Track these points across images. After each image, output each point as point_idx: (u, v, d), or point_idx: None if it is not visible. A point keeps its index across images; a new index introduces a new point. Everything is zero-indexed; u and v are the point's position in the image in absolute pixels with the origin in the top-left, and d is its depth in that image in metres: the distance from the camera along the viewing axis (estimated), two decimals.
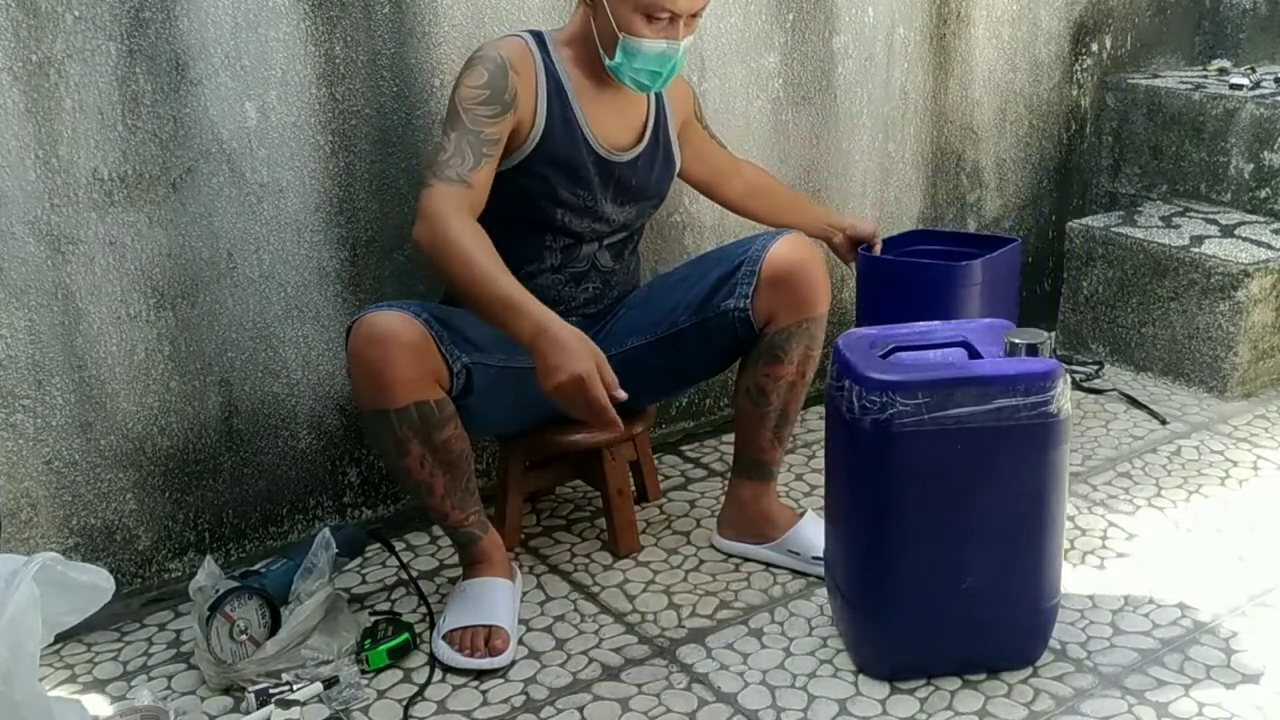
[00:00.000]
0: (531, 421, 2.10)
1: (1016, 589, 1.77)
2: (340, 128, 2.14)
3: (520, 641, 1.96)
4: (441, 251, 1.79)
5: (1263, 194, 3.04)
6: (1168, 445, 2.60)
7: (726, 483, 2.29)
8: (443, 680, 1.87)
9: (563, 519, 2.37)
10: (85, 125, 1.91)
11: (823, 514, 1.97)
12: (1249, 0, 3.49)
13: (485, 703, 1.82)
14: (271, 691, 1.80)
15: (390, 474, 2.30)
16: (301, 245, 2.15)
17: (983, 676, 1.82)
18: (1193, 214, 3.08)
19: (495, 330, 1.95)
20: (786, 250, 2.01)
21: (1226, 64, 3.44)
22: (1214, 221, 3.01)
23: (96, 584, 1.60)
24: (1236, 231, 2.93)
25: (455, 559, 2.11)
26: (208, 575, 1.89)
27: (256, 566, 1.96)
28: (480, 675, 1.88)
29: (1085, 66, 3.23)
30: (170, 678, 1.90)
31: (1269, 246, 2.82)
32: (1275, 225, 2.96)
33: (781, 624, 1.99)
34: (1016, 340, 1.73)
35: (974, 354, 1.77)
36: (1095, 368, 3.00)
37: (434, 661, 1.90)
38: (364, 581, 2.16)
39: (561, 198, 1.99)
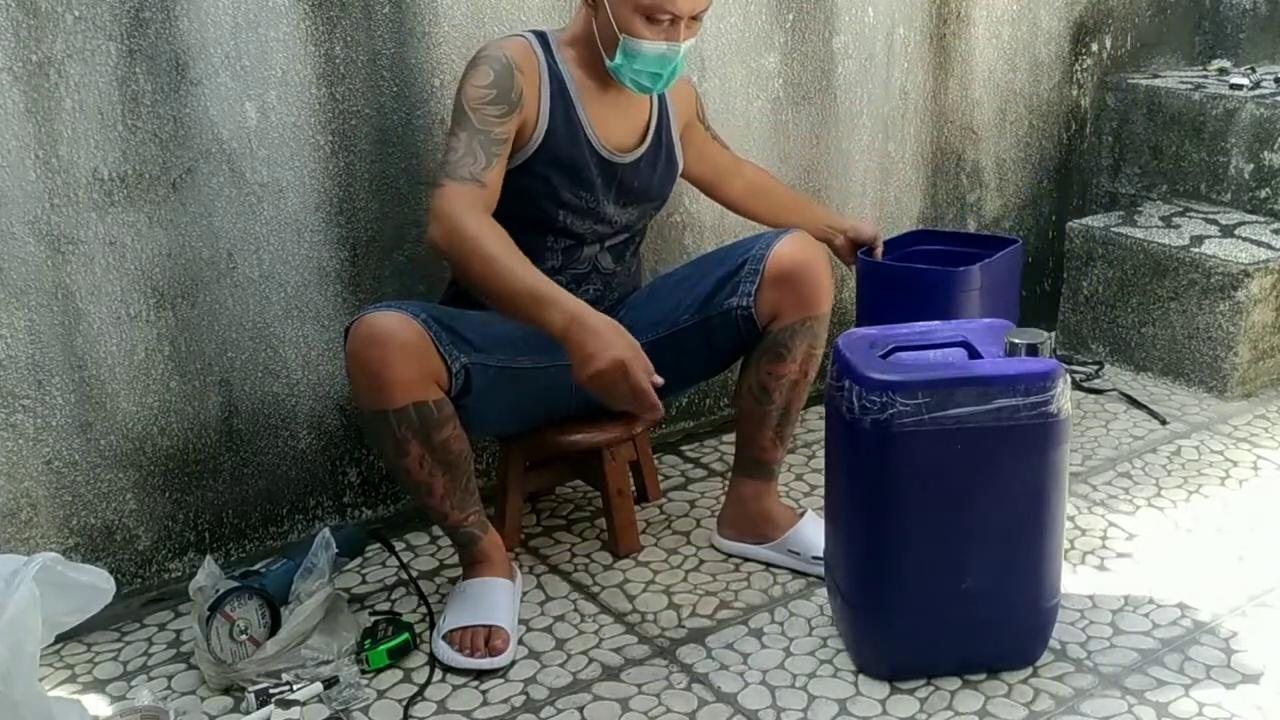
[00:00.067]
0: (531, 421, 2.10)
1: (1016, 589, 1.77)
2: (340, 128, 2.14)
3: (520, 641, 1.96)
4: (461, 250, 1.79)
5: (1263, 194, 3.04)
6: (1168, 445, 2.60)
7: (727, 482, 2.29)
8: (443, 680, 1.87)
9: (563, 519, 2.37)
10: (85, 125, 1.91)
11: (823, 514, 1.97)
12: (1249, 0, 3.49)
13: (485, 703, 1.82)
14: (271, 691, 1.80)
15: (390, 474, 2.30)
16: (301, 245, 2.16)
17: (983, 676, 1.82)
18: (1193, 214, 3.08)
19: (494, 331, 1.96)
20: (791, 248, 2.01)
21: (1226, 64, 3.44)
22: (1214, 221, 3.01)
23: (96, 584, 1.60)
24: (1236, 231, 2.93)
25: (455, 559, 2.11)
26: (208, 575, 1.89)
27: (256, 566, 1.96)
28: (480, 675, 1.88)
29: (1085, 66, 3.23)
30: (170, 678, 1.90)
31: (1269, 246, 2.82)
32: (1275, 225, 2.96)
33: (781, 624, 1.99)
34: (1016, 340, 1.73)
35: (974, 354, 1.77)
36: (1095, 368, 3.00)
37: (434, 661, 1.90)
38: (364, 581, 2.16)
39: (563, 199, 1.99)
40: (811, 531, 2.11)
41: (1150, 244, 2.91)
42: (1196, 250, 2.83)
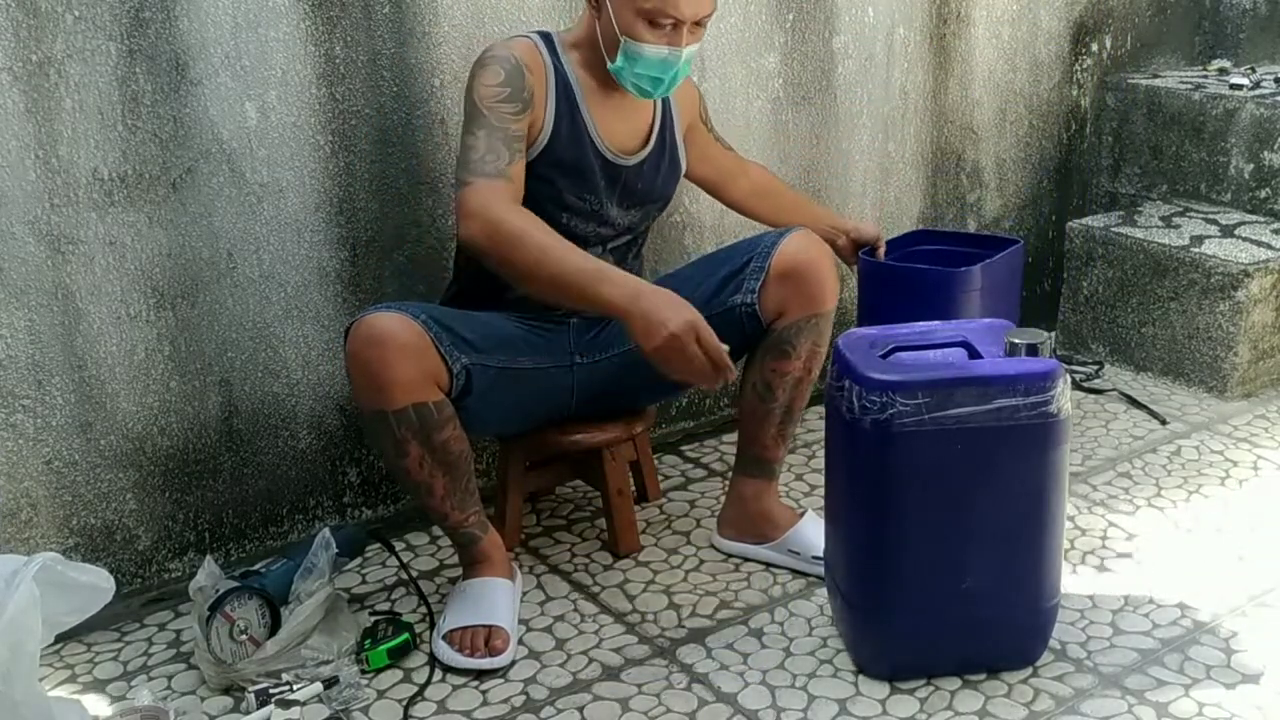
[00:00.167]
0: (531, 422, 2.10)
1: (1016, 589, 1.77)
2: (340, 128, 2.14)
3: (520, 641, 1.96)
4: (505, 242, 1.77)
5: (1263, 194, 3.04)
6: (1168, 445, 2.60)
7: (727, 483, 2.29)
8: (443, 680, 1.87)
9: (563, 519, 2.37)
10: (85, 125, 1.91)
11: (823, 514, 1.97)
12: (1249, 0, 3.49)
13: (485, 703, 1.82)
14: (271, 691, 1.80)
15: (390, 474, 2.30)
16: (301, 245, 2.16)
17: (983, 676, 1.82)
18: (1193, 214, 3.08)
19: (495, 331, 1.96)
20: (796, 246, 2.01)
21: (1226, 64, 3.44)
22: (1214, 221, 3.01)
23: (96, 584, 1.60)
24: (1236, 231, 2.93)
25: (455, 559, 2.11)
26: (208, 575, 1.89)
27: (256, 566, 1.96)
28: (480, 675, 1.88)
29: (1085, 66, 3.23)
30: (170, 678, 1.90)
31: (1269, 246, 2.82)
32: (1275, 225, 2.96)
33: (781, 624, 1.99)
34: (1016, 340, 1.73)
35: (974, 354, 1.77)
36: (1095, 368, 3.00)
37: (434, 661, 1.90)
38: (364, 581, 2.16)
39: (567, 201, 1.99)
40: (811, 531, 2.11)
41: (1150, 244, 2.91)
42: (1196, 250, 2.83)
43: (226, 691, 1.84)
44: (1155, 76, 3.31)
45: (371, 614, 2.04)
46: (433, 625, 1.98)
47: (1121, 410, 2.78)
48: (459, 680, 1.87)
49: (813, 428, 2.69)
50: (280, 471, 2.23)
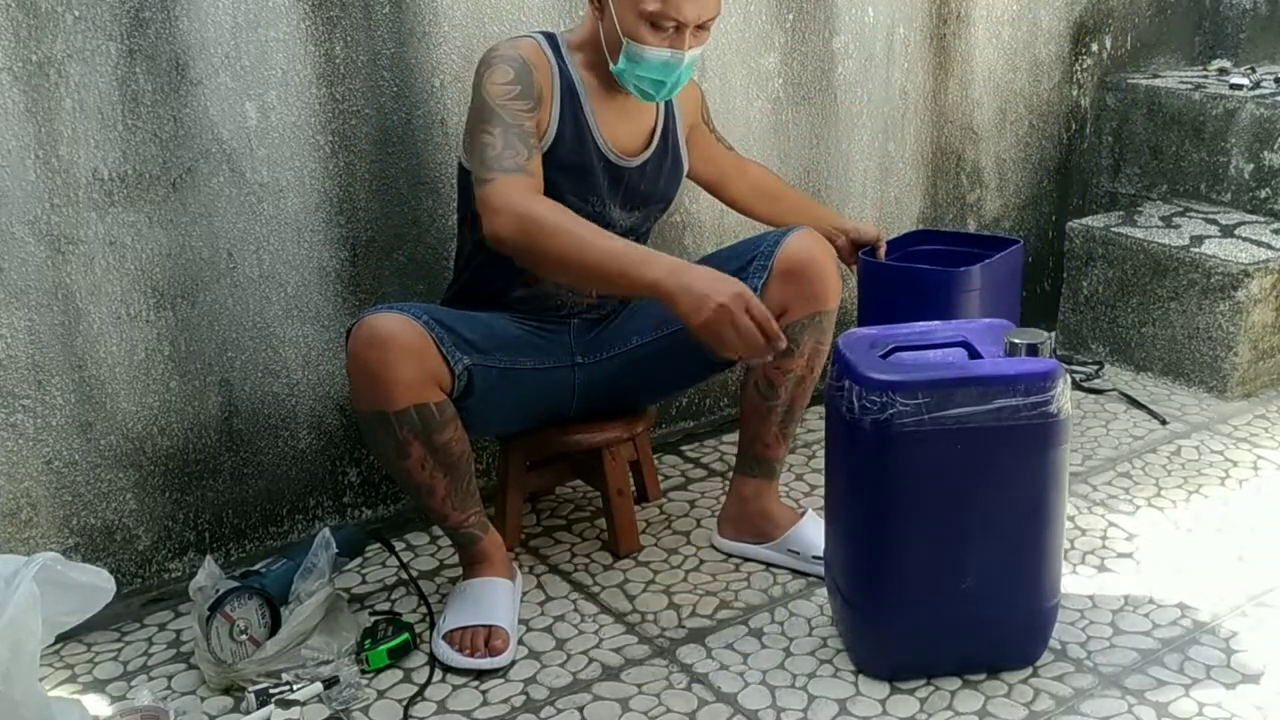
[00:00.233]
0: (532, 422, 2.11)
1: (1016, 589, 1.77)
2: (340, 128, 2.14)
3: (520, 641, 1.96)
4: (536, 233, 1.75)
5: (1263, 194, 3.04)
6: (1168, 445, 2.60)
7: (727, 483, 2.29)
8: (443, 680, 1.87)
9: (563, 519, 2.37)
10: (85, 125, 1.91)
11: (823, 514, 1.97)
12: (1249, 0, 3.49)
13: (485, 703, 1.82)
14: (271, 691, 1.80)
15: (390, 476, 2.30)
16: (301, 245, 2.16)
17: (983, 676, 1.82)
18: (1193, 214, 3.08)
19: (496, 332, 1.96)
20: (800, 244, 2.01)
21: (1226, 64, 3.44)
22: (1214, 221, 3.01)
23: (97, 584, 1.60)
24: (1236, 231, 2.93)
25: (455, 559, 2.11)
26: (208, 575, 1.89)
27: (256, 566, 1.96)
28: (480, 675, 1.88)
29: (1085, 66, 3.23)
30: (170, 678, 1.90)
31: (1269, 246, 2.82)
32: (1275, 225, 2.96)
33: (781, 624, 1.99)
34: (1016, 340, 1.73)
35: (974, 354, 1.77)
36: (1095, 368, 3.00)
37: (434, 661, 1.90)
38: (364, 581, 2.16)
39: (569, 203, 1.97)
40: (812, 531, 2.11)
41: (1150, 244, 2.91)
42: (1196, 250, 2.83)
43: (226, 691, 1.84)
44: (1155, 76, 3.31)
45: (371, 614, 2.04)
46: (433, 625, 1.98)
47: (1121, 410, 2.78)
48: (459, 680, 1.87)
49: (813, 428, 2.69)
50: (280, 471, 2.23)
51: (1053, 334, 1.85)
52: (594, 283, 1.80)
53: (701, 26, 1.90)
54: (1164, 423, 2.70)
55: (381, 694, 1.84)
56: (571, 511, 2.39)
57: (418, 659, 1.92)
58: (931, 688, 1.81)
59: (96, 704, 1.83)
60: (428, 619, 2.02)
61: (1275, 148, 2.99)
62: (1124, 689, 1.80)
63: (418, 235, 2.26)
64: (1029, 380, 1.69)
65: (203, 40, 1.98)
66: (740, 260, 2.04)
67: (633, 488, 2.31)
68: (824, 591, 2.02)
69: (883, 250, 2.41)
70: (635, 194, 2.05)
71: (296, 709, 1.78)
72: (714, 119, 2.33)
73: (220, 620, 1.82)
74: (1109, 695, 1.78)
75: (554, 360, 2.04)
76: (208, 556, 1.98)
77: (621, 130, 2.02)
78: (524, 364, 1.99)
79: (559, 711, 1.79)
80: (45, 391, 1.96)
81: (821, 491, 2.15)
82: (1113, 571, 2.12)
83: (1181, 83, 3.23)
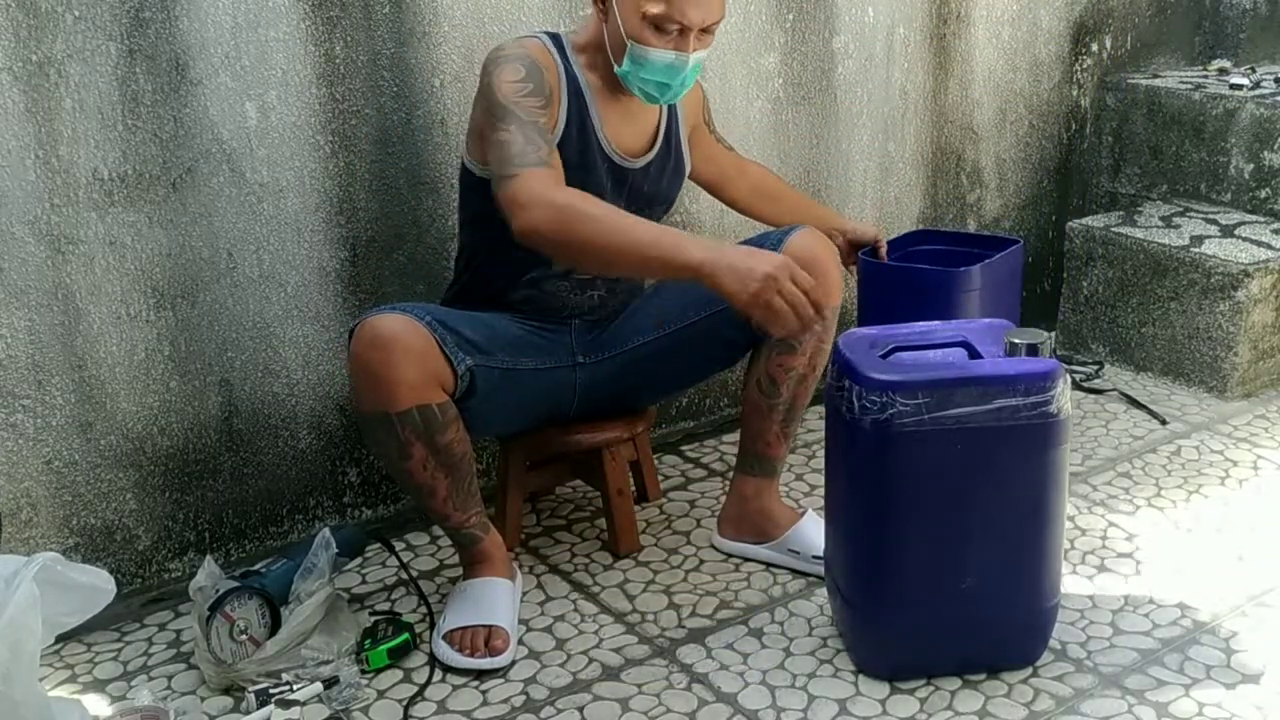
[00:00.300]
0: (533, 422, 2.11)
1: (1016, 589, 1.77)
2: (340, 128, 2.14)
3: (520, 641, 1.96)
4: (572, 221, 1.73)
5: (1263, 194, 3.04)
6: (1168, 445, 2.60)
7: (727, 483, 2.29)
8: (443, 680, 1.87)
9: (563, 519, 2.37)
10: (85, 125, 1.91)
11: (823, 514, 1.97)
12: (1249, 0, 3.49)
13: (485, 703, 1.82)
14: (271, 691, 1.80)
15: (391, 477, 2.30)
16: (301, 245, 2.16)
17: (983, 676, 1.82)
18: (1193, 214, 3.08)
19: (498, 332, 1.96)
20: (803, 242, 2.00)
21: (1226, 64, 3.44)
22: (1214, 221, 3.01)
23: (97, 585, 1.60)
24: (1236, 231, 2.93)
25: (455, 559, 2.11)
26: (208, 575, 1.89)
27: (256, 566, 1.96)
28: (480, 675, 1.88)
29: (1085, 66, 3.23)
30: (170, 678, 1.90)
31: (1269, 246, 2.82)
32: (1275, 225, 2.96)
33: (781, 624, 1.99)
34: (1016, 340, 1.73)
35: (974, 354, 1.77)
36: (1095, 368, 3.00)
37: (434, 661, 1.90)
38: (364, 581, 2.16)
39: None
40: (812, 531, 2.11)
41: (1150, 244, 2.91)
42: (1196, 250, 2.83)
43: (226, 691, 1.84)
44: (1155, 76, 3.31)
45: (371, 614, 2.04)
46: (433, 625, 1.98)
47: (1121, 410, 2.78)
48: (459, 680, 1.87)
49: (813, 428, 2.69)
50: (280, 471, 2.23)
51: (1053, 334, 1.85)
52: (632, 268, 1.79)
53: (706, 30, 1.90)
54: (1164, 423, 2.70)
55: (381, 694, 1.84)
56: (571, 511, 2.39)
57: (418, 659, 1.92)
58: (931, 688, 1.81)
59: (96, 704, 1.83)
60: (428, 619, 2.02)
61: (1275, 148, 2.99)
62: (1124, 689, 1.80)
63: (418, 235, 2.26)
64: (1029, 380, 1.69)
65: (203, 40, 1.98)
66: None
67: (633, 488, 2.31)
68: (824, 591, 2.02)
69: (883, 250, 2.41)
70: (638, 195, 2.05)
71: (296, 709, 1.78)
72: (714, 119, 2.33)
73: (220, 620, 1.82)
74: (1109, 695, 1.78)
75: (555, 360, 2.04)
76: (208, 556, 1.98)
77: (625, 131, 2.02)
78: (525, 364, 1.99)
79: (559, 711, 1.79)
80: (45, 391, 1.96)
81: (821, 491, 2.15)
82: (1113, 571, 2.12)
83: (1181, 83, 3.23)
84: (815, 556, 2.08)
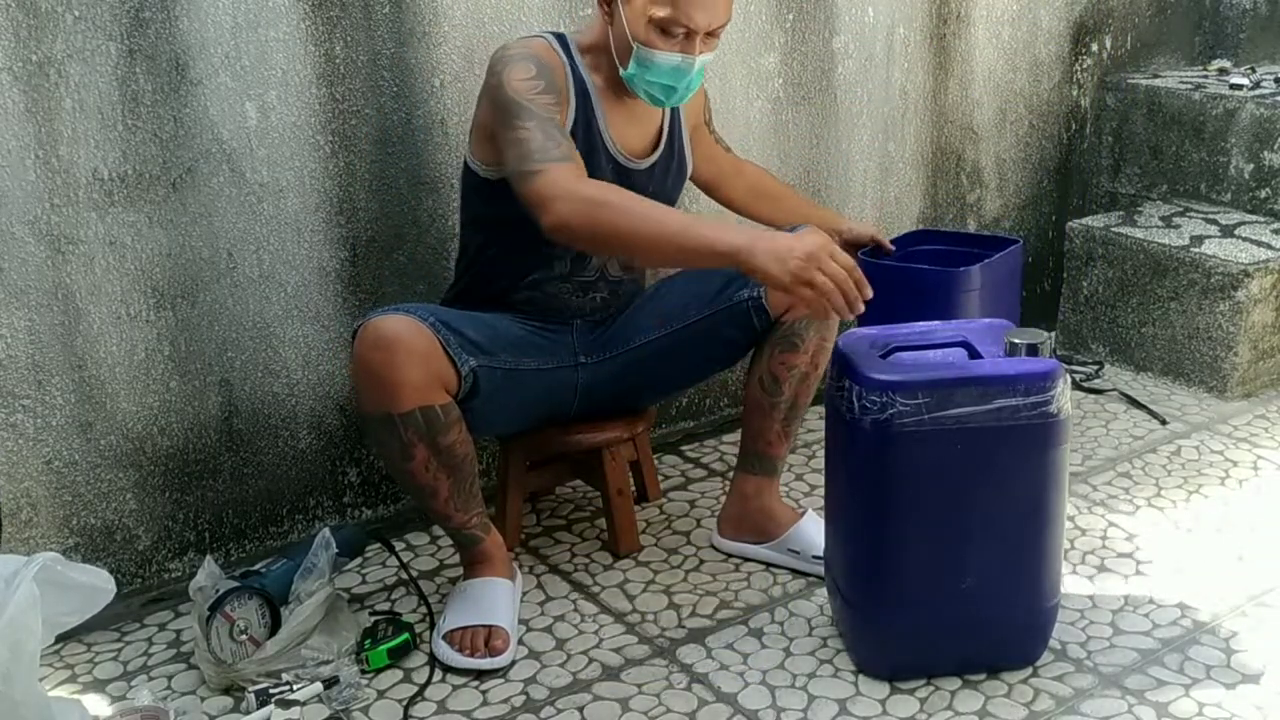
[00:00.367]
0: (535, 422, 2.10)
1: (1016, 589, 1.77)
2: (340, 128, 2.14)
3: (520, 641, 1.96)
4: (604, 213, 1.73)
5: (1263, 194, 3.04)
6: (1168, 445, 2.60)
7: (727, 483, 2.29)
8: (443, 680, 1.87)
9: (563, 519, 2.37)
10: (85, 125, 1.91)
11: (823, 514, 1.97)
12: (1249, 0, 3.49)
13: (485, 703, 1.82)
14: (271, 691, 1.80)
15: (393, 478, 2.30)
16: (301, 245, 2.15)
17: (983, 676, 1.82)
18: (1193, 214, 3.08)
19: (501, 333, 1.96)
20: None
21: (1226, 64, 3.44)
22: (1214, 221, 3.01)
23: (97, 585, 1.60)
24: (1236, 231, 2.93)
25: (455, 559, 2.11)
26: (208, 575, 1.89)
27: (256, 566, 1.96)
28: (480, 675, 1.88)
29: (1085, 66, 3.23)
30: (170, 678, 1.90)
31: (1269, 246, 2.82)
32: (1275, 225, 2.96)
33: (781, 624, 1.99)
34: (1016, 340, 1.73)
35: (974, 354, 1.77)
36: (1095, 368, 3.00)
37: (434, 661, 1.90)
38: (364, 581, 2.16)
39: None
40: (812, 530, 2.12)
41: (1150, 244, 2.91)
42: (1196, 250, 2.83)
43: (226, 691, 1.84)
44: (1155, 76, 3.31)
45: (371, 614, 2.04)
46: (433, 625, 1.98)
47: (1121, 410, 2.78)
48: (459, 680, 1.87)
49: (813, 428, 2.69)
50: (280, 471, 2.23)
51: (1053, 334, 1.85)
52: (665, 258, 1.78)
53: (712, 33, 1.89)
54: (1164, 423, 2.70)
55: (381, 694, 1.84)
56: (571, 511, 2.39)
57: (418, 659, 1.92)
58: (931, 688, 1.81)
59: (96, 704, 1.83)
60: (428, 619, 2.02)
61: (1275, 148, 2.99)
62: (1124, 689, 1.80)
63: (418, 235, 2.26)
64: (1029, 380, 1.69)
65: (203, 40, 1.98)
66: None
67: (633, 488, 2.31)
68: (824, 591, 2.02)
69: (888, 245, 2.40)
70: (642, 196, 2.04)
71: (296, 709, 1.78)
72: (714, 119, 2.33)
73: (220, 620, 1.82)
74: (1109, 695, 1.78)
75: (558, 360, 2.04)
76: (208, 556, 1.98)
77: (630, 133, 2.02)
78: (528, 364, 1.99)
79: (559, 711, 1.79)
80: (45, 391, 1.96)
81: (821, 491, 2.15)
82: (1113, 571, 2.12)
83: (1181, 83, 3.23)
84: (815, 556, 2.08)
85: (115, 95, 1.92)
